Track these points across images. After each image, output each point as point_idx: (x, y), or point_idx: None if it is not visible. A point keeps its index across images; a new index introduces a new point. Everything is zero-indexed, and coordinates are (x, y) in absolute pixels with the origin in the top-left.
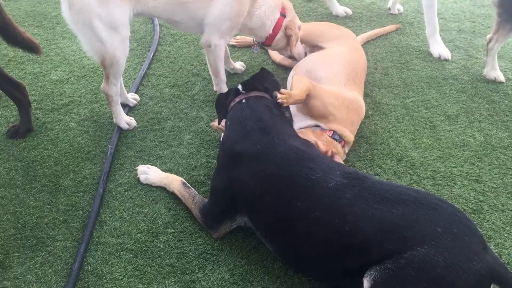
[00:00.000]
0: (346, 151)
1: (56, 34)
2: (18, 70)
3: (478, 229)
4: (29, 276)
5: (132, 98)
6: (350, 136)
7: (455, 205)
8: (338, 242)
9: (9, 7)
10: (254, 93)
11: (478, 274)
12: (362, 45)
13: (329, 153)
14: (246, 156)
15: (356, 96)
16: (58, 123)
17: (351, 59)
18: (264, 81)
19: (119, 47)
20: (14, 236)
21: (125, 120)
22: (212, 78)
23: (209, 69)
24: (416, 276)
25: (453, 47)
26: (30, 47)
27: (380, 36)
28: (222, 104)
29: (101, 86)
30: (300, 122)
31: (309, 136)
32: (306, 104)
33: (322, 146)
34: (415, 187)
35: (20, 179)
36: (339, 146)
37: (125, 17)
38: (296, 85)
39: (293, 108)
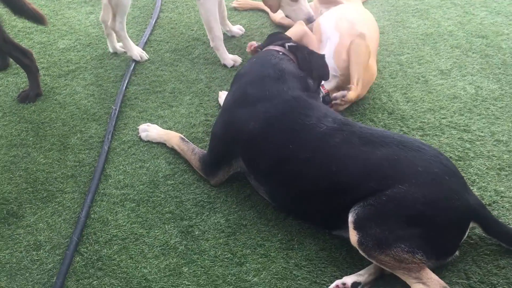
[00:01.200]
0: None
1: (62, 5)
2: (27, 40)
3: (460, 172)
4: (40, 224)
5: (121, 47)
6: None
7: (437, 149)
8: (325, 181)
9: None
10: (292, 55)
11: (457, 211)
12: None
13: None
14: (253, 98)
15: (373, 63)
16: (65, 87)
17: (373, 22)
18: (315, 65)
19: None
20: (26, 189)
21: (138, 52)
22: (207, 34)
23: (204, 25)
24: (396, 211)
25: (450, 4)
26: (36, 18)
27: None
28: (274, 38)
29: (109, 23)
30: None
31: None
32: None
33: None
34: None
35: (30, 139)
36: None
37: None
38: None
39: None
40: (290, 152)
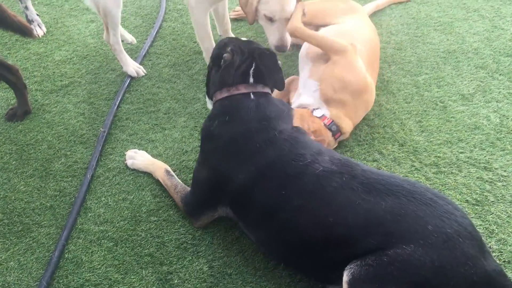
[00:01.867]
0: (338, 140)
1: (64, 12)
2: (24, 50)
3: (477, 230)
4: (11, 263)
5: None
6: (348, 128)
7: (454, 202)
8: (320, 232)
9: None
10: (262, 89)
11: (469, 280)
12: (373, 16)
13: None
14: (242, 153)
15: (371, 84)
16: (55, 105)
17: (369, 35)
18: (272, 73)
19: (107, 2)
20: (2, 221)
21: (133, 67)
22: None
23: None
24: (398, 277)
25: (477, 16)
26: (22, 30)
27: (391, 4)
28: (226, 75)
29: (103, 36)
30: (306, 97)
31: (295, 119)
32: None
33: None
34: (415, 175)
35: (13, 163)
36: (329, 134)
37: None
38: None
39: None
40: (283, 199)
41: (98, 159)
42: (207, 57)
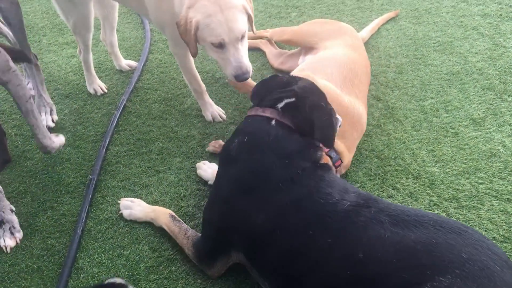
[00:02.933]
0: (339, 169)
1: (42, 47)
2: (1, 91)
3: (510, 259)
4: None
5: (127, 64)
6: (345, 154)
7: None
8: (349, 271)
9: None
10: (287, 121)
11: None
12: (369, 39)
13: None
14: (261, 189)
15: (354, 103)
16: (38, 151)
17: (347, 59)
18: (318, 125)
19: (75, 25)
20: None
21: (93, 86)
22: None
23: None
24: None
25: (477, 35)
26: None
27: (383, 24)
28: (265, 88)
29: (81, 56)
30: None
31: None
32: None
33: None
34: (435, 212)
35: None
36: (329, 161)
37: None
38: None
39: None
40: (308, 239)
41: (88, 211)
42: (196, 96)
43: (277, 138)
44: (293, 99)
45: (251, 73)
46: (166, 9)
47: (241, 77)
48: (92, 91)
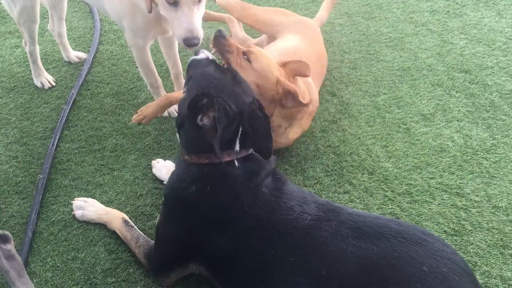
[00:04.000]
0: None
1: None
2: None
3: (468, 265)
4: None
5: (76, 56)
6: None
7: (440, 238)
8: None
9: None
10: (246, 152)
11: None
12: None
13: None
14: (227, 219)
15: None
16: None
17: (301, 50)
18: (259, 139)
19: (20, 15)
20: None
21: (40, 79)
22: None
23: None
24: None
25: (426, 31)
26: None
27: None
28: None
29: (26, 48)
30: None
31: None
32: None
33: None
34: (389, 206)
35: None
36: None
37: None
38: None
39: None
40: (272, 258)
41: (39, 212)
42: (152, 90)
43: (245, 173)
44: (240, 131)
45: (201, 39)
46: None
47: (190, 41)
48: (39, 84)
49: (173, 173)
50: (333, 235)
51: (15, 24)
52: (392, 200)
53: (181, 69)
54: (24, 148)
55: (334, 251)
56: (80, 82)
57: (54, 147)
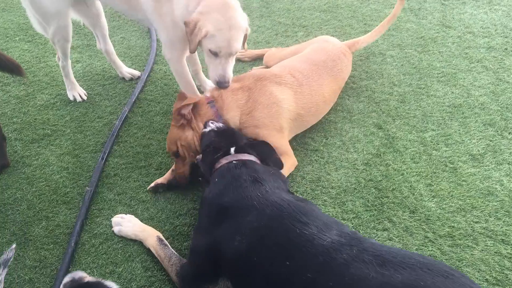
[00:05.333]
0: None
1: (47, 50)
2: (3, 93)
3: None
4: None
5: (129, 72)
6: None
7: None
8: None
9: (2, 19)
10: (245, 157)
11: None
12: (373, 64)
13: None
14: (234, 209)
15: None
16: (37, 157)
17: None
18: (265, 156)
19: (54, 35)
20: None
21: (73, 93)
22: None
23: None
24: None
25: (481, 68)
26: (11, 69)
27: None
28: (207, 161)
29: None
30: None
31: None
32: None
33: None
34: (429, 248)
35: None
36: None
37: (58, 6)
38: None
39: None
40: (288, 271)
41: (83, 223)
42: None
43: (242, 166)
44: (235, 146)
45: (230, 83)
46: (166, 13)
47: (222, 84)
48: (71, 97)
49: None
50: (354, 259)
51: (77, 39)
52: (433, 242)
53: (200, 65)
54: (75, 160)
55: (355, 274)
56: (133, 100)
57: (103, 161)
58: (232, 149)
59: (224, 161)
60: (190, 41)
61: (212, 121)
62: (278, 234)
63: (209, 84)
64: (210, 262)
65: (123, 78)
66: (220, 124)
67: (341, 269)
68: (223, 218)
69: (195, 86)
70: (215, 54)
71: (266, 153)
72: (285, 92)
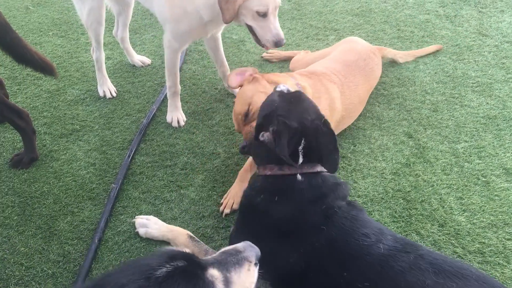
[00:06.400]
0: None
1: (80, 46)
2: (34, 87)
3: None
4: None
5: (140, 60)
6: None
7: None
8: None
9: (36, 14)
10: (311, 168)
11: None
12: (406, 71)
13: None
14: (296, 233)
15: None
16: (65, 152)
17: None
18: (325, 151)
19: (88, 16)
20: None
21: (103, 88)
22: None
23: None
24: None
25: None
26: (43, 68)
27: (419, 56)
28: (268, 154)
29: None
30: None
31: None
32: None
33: None
34: None
35: (15, 218)
36: None
37: None
38: None
39: None
40: (344, 281)
41: (108, 220)
42: (169, 93)
43: (310, 188)
44: (303, 144)
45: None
46: (178, 4)
47: (279, 43)
48: (101, 93)
49: (249, 184)
50: (411, 266)
51: (109, 36)
52: (462, 258)
53: (227, 67)
54: (102, 157)
55: (412, 281)
56: (161, 98)
57: (130, 158)
58: (300, 154)
59: (286, 170)
60: (225, 10)
61: (283, 85)
62: (340, 250)
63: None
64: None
65: (154, 80)
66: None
67: (398, 277)
68: (280, 233)
69: (178, 81)
70: (263, 15)
71: (330, 152)
72: (336, 90)
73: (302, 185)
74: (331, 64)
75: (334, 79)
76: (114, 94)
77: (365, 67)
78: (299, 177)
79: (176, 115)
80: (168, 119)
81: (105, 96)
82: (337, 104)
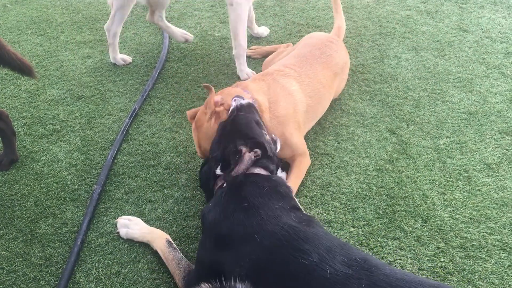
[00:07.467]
0: None
1: (59, 44)
2: (13, 87)
3: None
4: None
5: (121, 58)
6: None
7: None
8: None
9: (14, 12)
10: (234, 172)
11: None
12: (388, 67)
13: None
14: (231, 238)
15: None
16: (45, 153)
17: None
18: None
19: None
20: None
21: (115, 56)
22: (232, 40)
23: (230, 30)
24: None
25: (498, 74)
26: (21, 69)
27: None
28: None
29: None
30: None
31: None
32: None
33: None
34: (441, 259)
35: None
36: None
37: None
38: None
39: None
40: None
41: (90, 222)
42: (236, 51)
43: (231, 189)
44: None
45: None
46: None
47: None
48: (115, 61)
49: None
50: None
51: (89, 34)
52: (445, 253)
53: (253, 13)
54: (84, 157)
55: None
56: (144, 97)
57: (112, 158)
58: (218, 170)
59: (218, 183)
60: None
61: (238, 97)
62: (278, 266)
63: (261, 30)
64: (215, 274)
65: (136, 78)
66: (246, 101)
67: None
68: (222, 245)
69: (246, 38)
70: None
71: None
72: (293, 83)
73: (224, 189)
74: (286, 60)
75: (289, 72)
76: (129, 60)
77: (321, 55)
78: (224, 185)
79: (248, 71)
80: (243, 76)
81: (123, 63)
82: (298, 96)
